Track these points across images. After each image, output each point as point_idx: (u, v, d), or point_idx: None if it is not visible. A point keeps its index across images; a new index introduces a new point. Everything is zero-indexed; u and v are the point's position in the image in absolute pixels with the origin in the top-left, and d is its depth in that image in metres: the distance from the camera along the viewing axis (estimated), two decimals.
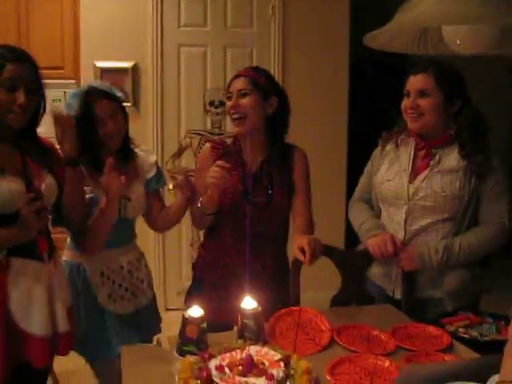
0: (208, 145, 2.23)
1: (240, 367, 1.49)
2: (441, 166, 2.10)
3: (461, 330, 1.85)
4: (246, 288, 2.03)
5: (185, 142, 3.99)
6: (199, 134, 4.01)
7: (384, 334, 1.79)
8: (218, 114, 4.03)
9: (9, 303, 1.71)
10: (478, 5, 1.43)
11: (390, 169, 2.20)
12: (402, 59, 4.97)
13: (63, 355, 1.88)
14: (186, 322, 1.66)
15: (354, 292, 2.14)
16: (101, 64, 3.92)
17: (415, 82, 2.10)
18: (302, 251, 1.89)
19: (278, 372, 1.47)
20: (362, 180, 2.37)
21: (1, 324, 1.69)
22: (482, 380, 1.39)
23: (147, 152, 2.28)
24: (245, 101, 2.07)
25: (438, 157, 2.11)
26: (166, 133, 4.01)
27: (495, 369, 1.42)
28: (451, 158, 2.09)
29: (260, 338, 1.69)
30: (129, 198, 2.05)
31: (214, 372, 1.47)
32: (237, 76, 2.13)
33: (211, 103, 4.03)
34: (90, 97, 2.02)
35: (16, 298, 1.72)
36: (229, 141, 2.25)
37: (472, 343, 1.77)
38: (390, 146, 2.25)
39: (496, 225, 2.07)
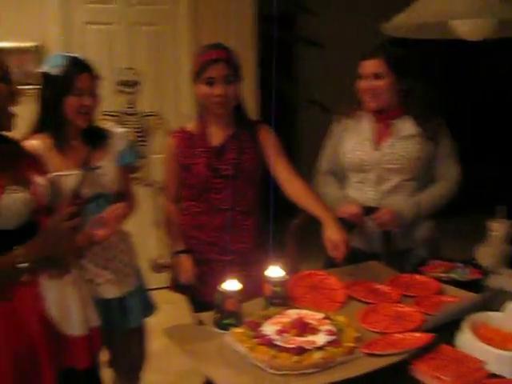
0: (170, 137, 2.31)
1: (294, 329, 1.62)
2: (401, 134, 2.37)
3: (441, 274, 2.12)
4: (226, 264, 2.17)
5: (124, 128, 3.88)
6: (113, 116, 3.92)
7: (385, 286, 2.00)
8: (130, 93, 3.97)
9: (47, 309, 1.64)
10: (483, 1, 1.67)
11: (353, 140, 2.43)
12: (290, 33, 5.25)
13: (99, 350, 1.84)
14: (224, 295, 1.72)
15: None
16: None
17: (369, 66, 2.35)
18: (333, 245, 1.98)
19: (329, 327, 1.63)
20: (325, 155, 2.56)
21: (42, 331, 1.61)
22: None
23: (112, 126, 2.28)
24: (231, 89, 2.17)
25: (396, 126, 2.38)
26: None
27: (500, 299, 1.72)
28: (408, 127, 2.38)
29: (287, 303, 1.82)
30: (97, 167, 2.06)
31: (274, 336, 1.58)
32: (215, 61, 2.16)
33: (124, 83, 3.95)
34: (76, 66, 2.01)
35: (52, 301, 1.65)
36: (189, 127, 2.31)
37: (454, 284, 2.04)
38: (348, 121, 2.48)
39: (450, 179, 2.40)
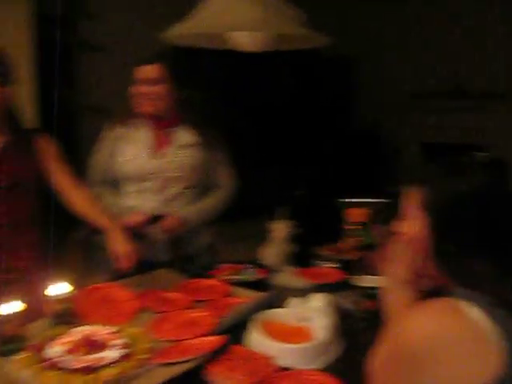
0: None
1: (83, 347, 1.53)
2: (179, 142, 2.40)
3: (230, 276, 2.19)
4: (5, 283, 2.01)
5: None
6: None
7: (174, 293, 2.00)
8: None
9: None
10: (260, 12, 1.73)
11: (129, 149, 2.38)
12: (69, 36, 5.00)
13: None
14: (2, 319, 1.57)
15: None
16: None
17: (146, 71, 2.33)
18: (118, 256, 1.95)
19: (119, 341, 1.57)
20: (97, 164, 2.44)
21: None
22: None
23: None
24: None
25: (175, 135, 2.40)
26: None
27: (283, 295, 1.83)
28: (186, 136, 2.41)
29: (75, 321, 1.72)
30: None
31: (61, 359, 1.48)
32: None
33: None
34: None
35: None
36: None
37: (243, 285, 2.12)
38: (122, 129, 2.41)
39: (226, 186, 2.51)
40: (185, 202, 2.41)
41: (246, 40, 1.87)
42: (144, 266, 2.26)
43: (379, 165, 6.77)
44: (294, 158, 6.16)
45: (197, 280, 2.13)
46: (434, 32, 6.56)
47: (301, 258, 2.32)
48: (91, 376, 1.40)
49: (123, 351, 1.51)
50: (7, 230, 2.03)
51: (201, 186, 2.46)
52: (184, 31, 1.91)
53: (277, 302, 1.84)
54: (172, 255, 2.32)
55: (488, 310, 1.04)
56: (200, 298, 1.97)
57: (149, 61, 2.34)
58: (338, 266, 2.28)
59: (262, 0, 1.78)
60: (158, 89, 2.32)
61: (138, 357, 1.51)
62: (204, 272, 2.23)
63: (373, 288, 1.87)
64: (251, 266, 2.28)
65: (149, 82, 2.32)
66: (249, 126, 6.02)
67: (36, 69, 4.11)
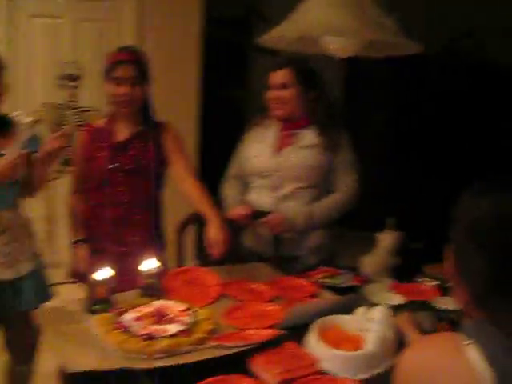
0: (80, 132, 2.48)
1: (152, 318, 1.72)
2: (301, 143, 2.48)
3: (322, 280, 2.23)
4: (120, 255, 2.27)
5: (38, 115, 3.94)
6: (54, 108, 3.98)
7: (262, 286, 2.10)
8: (73, 87, 4.03)
9: None
10: (353, 19, 1.79)
11: (257, 147, 2.54)
12: (245, 39, 5.33)
13: None
14: (95, 282, 1.82)
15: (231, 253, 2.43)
16: None
17: (276, 77, 2.47)
18: (212, 243, 2.09)
19: (186, 318, 1.72)
20: (235, 158, 2.67)
21: None
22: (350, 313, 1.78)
23: (21, 115, 2.35)
24: (137, 90, 2.28)
25: (298, 135, 2.49)
26: (21, 106, 3.90)
27: (358, 303, 1.82)
28: (309, 137, 2.48)
29: (161, 295, 1.91)
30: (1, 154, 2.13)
31: (130, 323, 1.67)
32: (123, 62, 2.27)
33: (66, 77, 4.01)
34: None
35: None
36: (98, 123, 2.46)
37: (334, 289, 2.15)
38: (257, 129, 2.59)
39: (346, 192, 2.50)
40: (300, 201, 2.47)
41: (337, 45, 1.91)
42: (248, 256, 2.41)
43: None
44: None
45: (289, 278, 2.21)
46: None
47: (404, 272, 2.28)
48: (146, 342, 1.57)
49: (183, 327, 1.66)
50: (126, 208, 2.30)
51: (320, 188, 2.50)
52: (279, 34, 1.99)
53: (350, 308, 1.84)
54: (274, 252, 2.42)
55: (491, 352, 0.99)
56: (284, 295, 2.04)
57: (279, 66, 2.47)
58: (437, 284, 2.19)
59: (356, 7, 1.81)
60: (286, 93, 2.45)
61: (196, 335, 1.64)
62: (303, 272, 2.30)
63: (453, 311, 1.80)
64: (349, 272, 2.29)
65: (279, 87, 2.45)
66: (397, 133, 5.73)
67: (201, 68, 4.44)
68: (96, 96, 4.09)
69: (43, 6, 3.98)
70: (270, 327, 1.74)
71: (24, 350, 2.39)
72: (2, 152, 2.16)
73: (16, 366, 2.41)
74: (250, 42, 5.39)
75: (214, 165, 3.66)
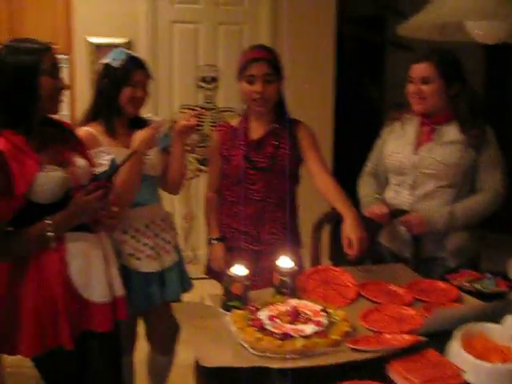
0: (215, 131, 2.52)
1: (288, 317, 1.70)
2: (442, 140, 2.34)
3: (465, 284, 2.09)
4: (256, 253, 2.28)
5: (177, 117, 4.11)
6: (191, 109, 4.14)
7: (400, 288, 2.01)
8: (210, 89, 4.17)
9: (70, 274, 1.79)
10: (499, 1, 1.65)
11: (396, 143, 2.45)
12: (379, 35, 5.21)
13: (123, 319, 1.95)
14: (231, 279, 1.84)
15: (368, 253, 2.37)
16: (94, 40, 4.00)
17: (418, 69, 2.35)
18: (349, 243, 2.03)
19: (322, 319, 1.68)
20: (372, 154, 2.60)
21: (64, 294, 1.77)
22: (496, 321, 1.65)
23: (152, 117, 2.45)
24: (271, 87, 2.27)
25: (439, 131, 2.36)
26: (160, 108, 4.12)
27: (506, 311, 1.68)
28: (451, 133, 2.34)
29: (295, 294, 1.90)
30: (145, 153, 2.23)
31: (266, 321, 1.67)
32: (256, 60, 2.27)
33: (204, 79, 4.17)
34: (134, 61, 2.22)
35: (76, 268, 1.80)
36: (234, 122, 2.46)
37: (476, 295, 2.01)
38: (396, 124, 2.50)
39: (491, 192, 2.33)
40: (441, 201, 2.35)
41: (483, 31, 1.76)
42: (386, 257, 2.33)
43: None
44: None
45: (430, 281, 2.09)
46: None
47: None
48: (285, 342, 1.56)
49: (319, 328, 1.63)
50: (261, 206, 2.31)
51: (461, 188, 2.36)
52: (422, 23, 1.88)
53: (497, 315, 1.71)
54: (413, 252, 2.32)
55: None
56: (424, 298, 1.94)
57: (422, 59, 2.35)
58: None
59: None
60: (427, 88, 2.33)
61: (332, 336, 1.60)
62: (443, 275, 2.18)
63: None
64: (493, 276, 2.13)
65: (420, 81, 2.34)
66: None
67: (336, 66, 4.39)
68: (233, 97, 4.21)
69: (183, 12, 4.14)
70: (409, 332, 1.65)
71: (164, 341, 2.48)
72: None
73: (156, 356, 2.51)
74: (385, 39, 5.29)
75: (348, 162, 3.61)
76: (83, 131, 2.15)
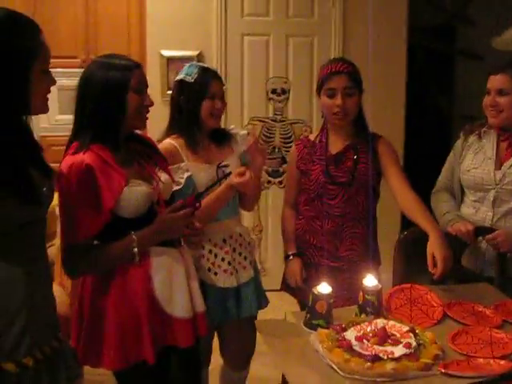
0: (294, 145, 2.49)
1: (375, 337, 1.67)
2: None
3: None
4: (333, 270, 2.25)
5: (248, 129, 4.13)
6: (261, 121, 4.17)
7: (487, 309, 1.95)
8: (280, 101, 4.18)
9: (153, 288, 1.80)
10: None
11: (475, 158, 2.37)
12: (449, 45, 5.11)
13: (203, 335, 1.96)
14: (315, 297, 1.82)
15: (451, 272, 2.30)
16: (166, 53, 4.07)
17: (495, 81, 2.29)
18: (433, 261, 1.99)
19: (412, 341, 1.64)
20: (445, 170, 2.53)
21: (147, 309, 1.78)
22: None
23: (236, 128, 2.45)
24: (351, 101, 2.25)
25: None
26: (230, 120, 4.15)
27: None
28: None
29: (380, 313, 1.86)
30: (227, 165, 2.24)
31: (354, 342, 1.64)
32: (337, 73, 2.25)
33: (274, 91, 4.18)
34: (207, 73, 2.22)
35: (159, 283, 1.82)
36: (312, 137, 2.44)
37: None
38: (472, 138, 2.42)
39: None
40: None
41: None
42: (467, 277, 2.25)
43: None
44: None
45: None
46: None
47: None
48: (374, 364, 1.53)
49: (408, 350, 1.59)
50: (340, 221, 2.29)
51: None
52: None
53: None
54: (498, 272, 2.24)
55: None
56: None
57: (499, 70, 2.29)
58: None
59: None
60: (503, 100, 2.26)
61: (422, 360, 1.57)
62: None
63: None
64: None
65: (496, 93, 2.28)
66: None
67: (407, 76, 4.32)
68: (303, 109, 4.22)
69: (253, 24, 4.17)
70: (503, 357, 1.60)
71: (238, 357, 2.46)
72: (225, 163, 2.26)
73: (228, 371, 2.49)
74: (454, 48, 5.18)
75: (417, 174, 3.53)
76: (167, 143, 2.18)
